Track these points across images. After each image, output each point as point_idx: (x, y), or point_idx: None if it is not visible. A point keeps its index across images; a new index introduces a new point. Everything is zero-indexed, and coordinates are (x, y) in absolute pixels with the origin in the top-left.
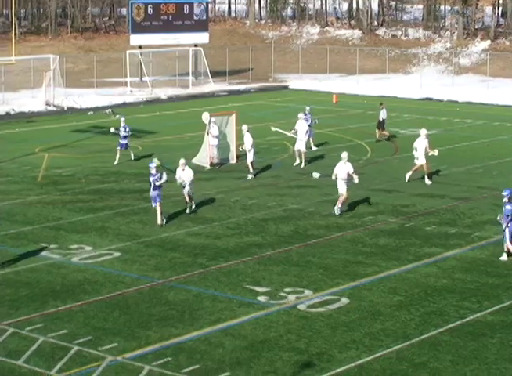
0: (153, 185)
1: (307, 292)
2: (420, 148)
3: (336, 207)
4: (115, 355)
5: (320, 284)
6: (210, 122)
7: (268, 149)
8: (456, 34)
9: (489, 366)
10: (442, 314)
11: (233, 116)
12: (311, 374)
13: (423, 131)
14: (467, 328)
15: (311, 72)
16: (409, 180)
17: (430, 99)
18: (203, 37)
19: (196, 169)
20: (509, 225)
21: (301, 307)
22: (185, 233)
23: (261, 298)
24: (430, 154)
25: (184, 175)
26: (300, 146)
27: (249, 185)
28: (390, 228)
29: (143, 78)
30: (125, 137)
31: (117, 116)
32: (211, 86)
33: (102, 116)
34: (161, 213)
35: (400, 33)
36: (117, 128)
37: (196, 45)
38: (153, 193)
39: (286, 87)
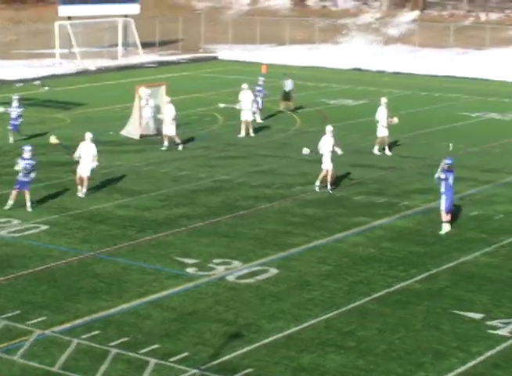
0: (23, 171)
1: (236, 263)
2: (382, 118)
3: (317, 184)
4: (43, 329)
5: (249, 255)
6: (146, 95)
7: (199, 120)
8: (385, 4)
9: (416, 333)
10: (370, 283)
11: (163, 87)
12: (240, 344)
13: (384, 100)
14: (395, 296)
15: (242, 43)
16: (379, 151)
17: (359, 70)
18: (133, 8)
19: (125, 141)
20: (447, 193)
21: (230, 278)
22: (114, 205)
23: (190, 270)
24: (390, 123)
25: (85, 150)
26: (246, 116)
27: (178, 156)
28: (318, 198)
29: (72, 50)
30: (17, 117)
31: (46, 88)
32: (141, 57)
33: (31, 88)
34: (30, 200)
35: (329, 3)
36: (7, 108)
37: (126, 16)
38: (22, 178)
39: (215, 58)
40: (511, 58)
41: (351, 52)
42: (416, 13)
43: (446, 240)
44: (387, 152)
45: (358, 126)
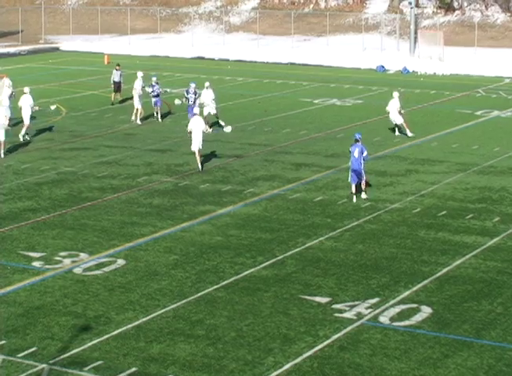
0: None
1: (82, 255)
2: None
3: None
4: None
5: (96, 247)
6: (9, 84)
7: (42, 112)
8: None
9: (264, 319)
10: (218, 271)
11: (4, 80)
12: (89, 337)
13: (396, 94)
14: (242, 283)
15: (83, 33)
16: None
17: (202, 58)
18: None
19: None
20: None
21: (77, 271)
22: None
23: (36, 264)
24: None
25: None
26: (138, 104)
27: (21, 149)
28: (164, 187)
29: None
30: None
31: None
32: None
33: None
34: None
35: None
36: None
37: None
38: None
39: (57, 49)
40: (350, 44)
41: (194, 41)
42: (256, 1)
43: (292, 226)
44: (409, 133)
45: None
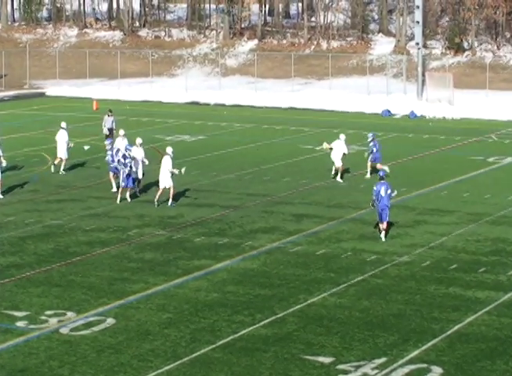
0: None
1: (69, 314)
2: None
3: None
4: None
5: (84, 305)
6: None
7: (26, 161)
8: (221, 33)
9: None
10: (214, 330)
11: None
12: None
13: (342, 137)
14: (240, 343)
15: (70, 77)
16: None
17: (196, 103)
18: None
19: None
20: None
21: (64, 330)
22: None
23: (20, 324)
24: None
25: None
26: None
27: (5, 201)
28: (157, 241)
29: None
30: None
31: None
32: None
33: None
34: None
35: (163, 33)
36: None
37: None
38: None
39: (43, 94)
40: (354, 88)
41: (188, 85)
42: (254, 43)
43: (293, 281)
44: (339, 179)
45: (196, 163)
